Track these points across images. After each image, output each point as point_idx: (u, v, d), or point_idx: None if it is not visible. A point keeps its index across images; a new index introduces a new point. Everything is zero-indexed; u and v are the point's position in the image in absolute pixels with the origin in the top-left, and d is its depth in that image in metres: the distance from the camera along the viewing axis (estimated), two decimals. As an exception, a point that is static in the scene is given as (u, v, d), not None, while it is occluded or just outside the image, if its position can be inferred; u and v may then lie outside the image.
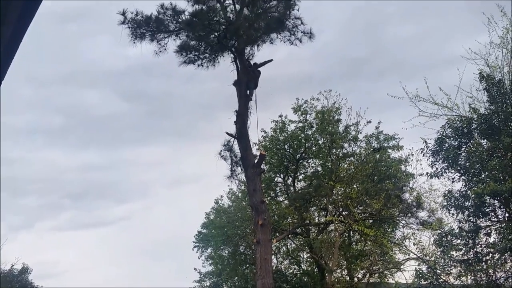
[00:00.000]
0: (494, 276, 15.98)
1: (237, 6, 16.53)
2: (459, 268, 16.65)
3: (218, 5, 16.46)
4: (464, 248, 16.41)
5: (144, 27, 15.87)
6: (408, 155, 22.49)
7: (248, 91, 16.61)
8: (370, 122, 22.73)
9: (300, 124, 23.31)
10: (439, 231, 17.93)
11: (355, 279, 23.75)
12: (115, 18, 15.54)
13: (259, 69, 16.82)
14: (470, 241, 16.30)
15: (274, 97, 31.34)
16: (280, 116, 23.66)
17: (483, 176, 15.93)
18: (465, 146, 16.64)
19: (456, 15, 36.59)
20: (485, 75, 16.12)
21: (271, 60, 16.89)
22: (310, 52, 33.97)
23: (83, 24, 41.24)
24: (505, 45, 16.61)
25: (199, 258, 28.91)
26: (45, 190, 54.36)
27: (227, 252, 27.73)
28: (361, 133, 23.00)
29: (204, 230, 29.15)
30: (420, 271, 17.56)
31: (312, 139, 23.30)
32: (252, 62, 16.84)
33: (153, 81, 38.84)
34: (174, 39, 16.30)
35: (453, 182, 16.98)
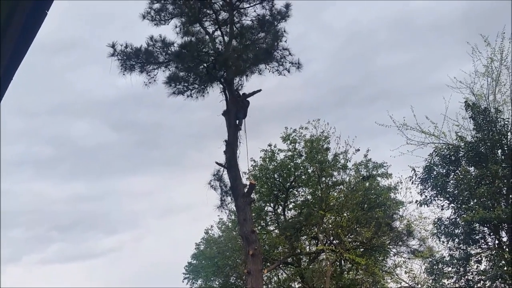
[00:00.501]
0: (486, 304, 15.92)
1: (226, 38, 16.77)
2: (451, 296, 16.57)
3: (207, 36, 16.69)
4: (455, 276, 16.37)
5: (134, 59, 16.01)
6: (397, 183, 22.65)
7: (237, 121, 16.70)
8: (358, 150, 22.91)
9: (289, 153, 23.41)
10: (430, 259, 17.88)
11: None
12: (105, 48, 15.68)
13: (248, 99, 16.96)
14: (461, 269, 16.28)
15: (263, 126, 31.50)
16: (269, 145, 23.78)
17: (472, 203, 16.02)
18: (453, 173, 16.77)
19: (442, 44, 37.39)
20: (471, 104, 16.37)
21: (259, 90, 17.06)
22: (300, 81, 34.43)
23: (72, 54, 41.49)
24: (490, 74, 16.93)
25: (189, 290, 28.51)
26: (32, 222, 53.71)
27: (217, 283, 27.41)
28: (350, 161, 23.14)
29: (194, 261, 28.86)
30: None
31: (301, 167, 23.36)
32: (241, 92, 17.00)
33: (143, 111, 39.00)
34: (163, 71, 16.46)
35: (442, 209, 17.06)
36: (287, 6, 16.43)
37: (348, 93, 38.50)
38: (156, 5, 16.37)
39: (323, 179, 23.15)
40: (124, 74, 15.90)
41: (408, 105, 18.44)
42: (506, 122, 16.09)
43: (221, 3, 16.86)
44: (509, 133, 16.05)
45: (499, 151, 16.30)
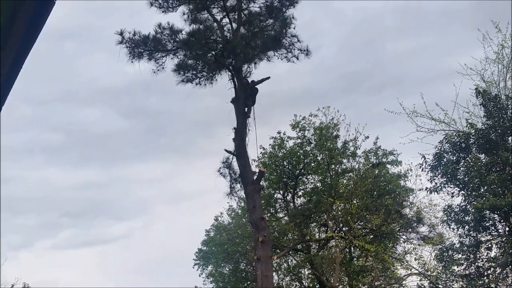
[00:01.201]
0: (496, 291, 15.92)
1: (234, 25, 16.68)
2: (461, 282, 16.59)
3: (215, 24, 16.60)
4: (465, 263, 16.37)
5: (142, 47, 15.99)
6: (407, 170, 22.51)
7: (246, 109, 16.68)
8: (368, 137, 22.79)
9: (299, 141, 23.36)
10: (440, 246, 17.88)
11: (357, 295, 23.59)
12: (113, 35, 15.67)
13: (256, 86, 16.91)
14: (471, 256, 16.27)
15: (273, 112, 31.41)
16: (279, 132, 23.74)
17: (482, 190, 15.96)
18: (463, 161, 16.69)
19: (453, 30, 36.95)
20: (481, 91, 16.23)
21: (268, 78, 16.98)
22: (310, 67, 34.18)
23: (81, 41, 41.48)
24: (501, 60, 16.76)
25: (199, 276, 28.75)
26: (43, 208, 54.21)
27: (227, 269, 27.59)
28: (359, 148, 23.04)
29: (204, 248, 29.02)
30: (422, 287, 17.47)
31: (310, 155, 23.32)
32: (249, 80, 16.94)
33: (152, 98, 39.03)
34: (171, 58, 16.42)
35: (452, 196, 17.02)
36: (296, -9, 16.28)
37: (357, 79, 38.23)
38: (164, -8, 16.28)
39: (333, 166, 23.11)
40: (132, 62, 15.90)
41: (418, 92, 18.41)
42: (517, 109, 15.96)
43: (229, -11, 16.74)
44: (520, 120, 15.91)
45: (510, 138, 16.19)
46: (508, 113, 15.96)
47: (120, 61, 15.64)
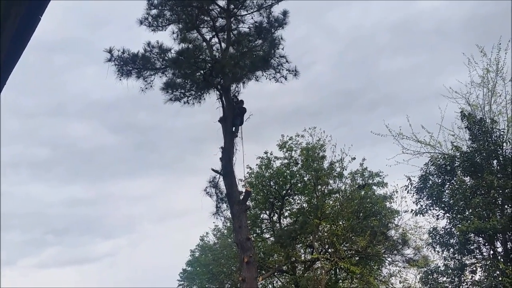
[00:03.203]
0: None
1: (223, 45, 16.78)
2: (445, 306, 16.53)
3: (204, 43, 16.70)
4: (450, 286, 16.35)
5: (131, 65, 15.99)
6: (393, 192, 22.61)
7: (234, 128, 16.69)
8: (354, 159, 22.91)
9: (286, 161, 23.40)
10: (425, 269, 17.86)
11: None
12: (104, 48, 15.66)
13: (245, 105, 16.96)
14: (456, 279, 16.26)
15: (264, 130, 31.53)
16: (266, 152, 23.78)
17: (467, 213, 16.03)
18: (448, 183, 16.79)
19: (445, 50, 37.47)
20: (467, 114, 16.42)
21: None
22: (302, 84, 34.44)
23: (71, 54, 41.43)
24: (486, 84, 17.00)
25: (183, 297, 28.39)
26: (28, 225, 53.43)
27: (212, 290, 27.29)
28: (346, 169, 23.13)
29: (189, 268, 28.74)
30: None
31: (297, 175, 23.34)
32: (238, 99, 16.99)
33: (141, 113, 38.88)
34: (160, 76, 16.44)
35: (437, 219, 17.08)
36: (285, 13, 16.46)
37: (350, 97, 38.58)
38: (154, 11, 16.39)
39: (319, 187, 23.12)
40: (120, 80, 15.88)
41: (409, 111, 18.69)
42: (502, 133, 16.14)
43: (218, 10, 16.88)
44: (504, 144, 16.08)
45: (495, 161, 16.33)
46: (493, 137, 16.13)
47: (109, 77, 15.63)
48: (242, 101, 16.97)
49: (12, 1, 3.11)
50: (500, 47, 16.74)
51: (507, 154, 16.13)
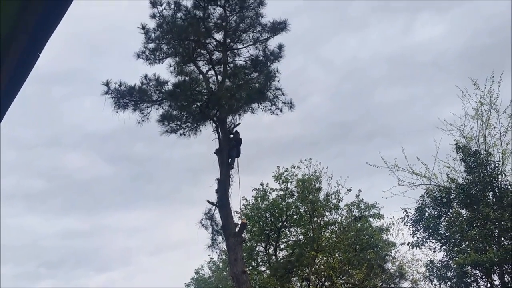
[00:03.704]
0: None
1: (219, 77, 16.94)
2: None
3: (201, 76, 16.86)
4: (448, 320, 16.16)
5: (127, 97, 16.09)
6: (389, 224, 22.54)
7: (230, 160, 16.70)
8: (350, 190, 22.87)
9: (281, 192, 23.35)
10: (423, 302, 17.67)
11: None
12: (102, 79, 15.81)
13: (241, 136, 17.00)
14: (454, 313, 16.08)
15: (260, 161, 31.54)
16: (261, 184, 23.73)
17: (464, 246, 15.97)
18: (445, 215, 16.78)
19: (440, 82, 37.93)
20: (461, 146, 16.52)
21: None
22: (299, 115, 34.59)
23: (70, 86, 41.63)
24: (480, 116, 17.15)
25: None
26: (22, 258, 52.63)
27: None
28: (341, 201, 23.07)
29: (184, 302, 28.33)
30: None
31: (293, 207, 23.26)
32: (233, 130, 17.06)
33: (138, 144, 38.86)
34: (156, 109, 16.54)
35: (434, 252, 16.99)
36: (280, 47, 16.68)
37: (346, 128, 38.78)
38: (151, 45, 16.58)
39: (315, 219, 23.01)
40: (117, 112, 15.96)
41: (405, 142, 18.76)
42: (497, 165, 16.21)
43: (215, 43, 17.10)
44: (499, 176, 16.14)
45: (490, 193, 16.36)
46: (488, 169, 16.20)
47: (106, 109, 15.73)
48: (237, 132, 17.04)
49: (13, 35, 3.17)
50: (493, 80, 16.99)
51: (502, 186, 16.17)
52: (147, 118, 16.56)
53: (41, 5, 3.05)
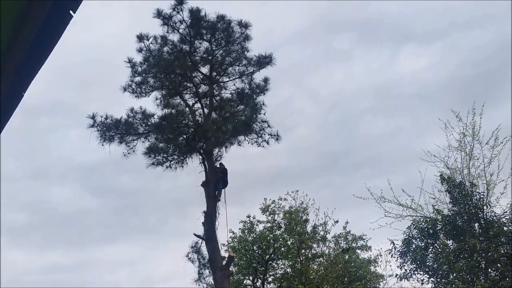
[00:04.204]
0: None
1: (206, 110, 17.04)
2: None
3: (187, 108, 16.95)
4: None
5: (113, 130, 16.09)
6: (377, 255, 22.47)
7: (216, 192, 16.65)
8: (337, 222, 22.86)
9: (268, 225, 23.24)
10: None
11: None
12: (88, 111, 15.84)
13: (227, 167, 16.99)
14: None
15: (248, 192, 31.33)
16: (248, 216, 23.63)
17: (451, 277, 15.91)
18: (431, 247, 16.75)
19: (425, 112, 38.39)
20: (446, 177, 16.63)
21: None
22: (286, 146, 34.63)
23: (56, 118, 41.34)
24: (463, 148, 17.33)
25: None
26: (3, 294, 51.21)
27: None
28: (329, 233, 23.01)
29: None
30: None
31: (280, 239, 23.13)
32: (217, 164, 17.06)
33: (124, 176, 38.41)
34: (143, 141, 16.55)
35: (422, 283, 16.87)
36: (266, 80, 16.88)
37: (333, 159, 38.83)
38: (138, 78, 16.69)
39: (303, 251, 22.88)
40: (103, 145, 15.93)
41: (391, 172, 18.82)
42: (482, 196, 16.31)
43: (201, 77, 17.27)
44: (485, 207, 16.22)
45: (476, 224, 16.41)
46: (473, 200, 16.28)
47: (91, 141, 15.69)
48: (221, 164, 17.02)
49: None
50: (474, 112, 17.25)
51: (488, 217, 16.24)
52: (133, 151, 16.56)
53: (27, 44, 3.08)
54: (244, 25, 16.53)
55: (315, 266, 23.12)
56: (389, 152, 38.14)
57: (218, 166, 16.94)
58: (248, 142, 17.26)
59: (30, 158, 45.12)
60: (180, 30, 16.42)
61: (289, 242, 23.19)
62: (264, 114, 16.99)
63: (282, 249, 23.29)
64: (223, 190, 16.86)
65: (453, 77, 38.52)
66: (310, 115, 38.55)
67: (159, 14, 15.93)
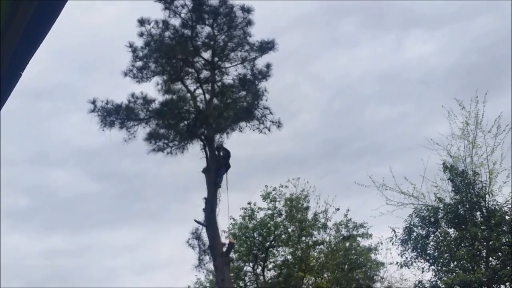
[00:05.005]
0: None
1: (207, 96, 16.89)
2: None
3: (188, 94, 16.80)
4: None
5: (114, 115, 15.97)
6: (378, 243, 22.45)
7: (217, 178, 16.57)
8: (338, 209, 22.81)
9: (269, 212, 23.20)
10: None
11: None
12: (89, 95, 15.71)
13: (230, 150, 16.86)
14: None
15: (250, 178, 31.20)
16: (249, 203, 23.57)
17: (452, 266, 15.93)
18: (433, 235, 16.75)
19: (431, 99, 38.10)
20: (449, 166, 16.56)
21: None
22: (290, 132, 34.40)
23: (57, 101, 41.02)
24: (466, 136, 17.25)
25: None
26: (5, 278, 51.40)
27: None
28: (330, 220, 22.98)
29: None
30: None
31: (281, 226, 23.11)
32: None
33: (126, 160, 38.21)
34: (143, 127, 16.41)
35: (423, 272, 16.91)
36: (268, 66, 16.71)
37: (337, 145, 38.60)
38: (139, 63, 16.52)
39: (303, 238, 22.87)
40: (103, 130, 15.82)
41: (395, 160, 18.72)
42: (484, 185, 16.26)
43: (203, 62, 17.07)
44: (487, 196, 16.18)
45: (478, 213, 16.40)
46: (476, 189, 16.25)
47: (92, 126, 15.59)
48: (223, 148, 16.80)
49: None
50: (477, 100, 17.14)
51: (490, 206, 16.21)
52: (134, 137, 16.43)
53: (23, 23, 2.97)
54: (246, 10, 16.32)
55: (315, 254, 23.12)
56: (393, 139, 37.98)
57: (220, 148, 16.76)
58: (250, 129, 17.13)
59: (31, 142, 44.99)
60: (182, 15, 16.23)
61: (289, 229, 23.18)
62: (266, 100, 16.84)
63: (283, 236, 23.28)
64: (225, 175, 16.77)
65: (459, 63, 38.21)
66: (314, 100, 38.27)
67: (160, -2, 15.73)
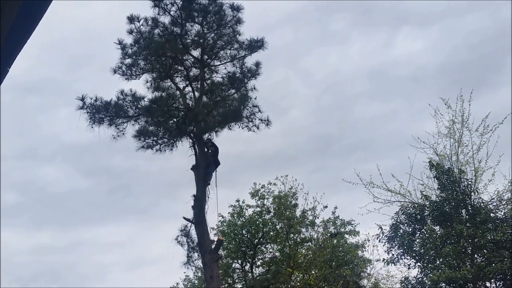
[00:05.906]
0: None
1: (196, 94, 16.95)
2: None
3: (178, 92, 16.84)
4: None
5: (103, 112, 15.97)
6: (365, 240, 22.66)
7: (206, 176, 16.62)
8: (326, 207, 23.01)
9: (258, 209, 23.31)
10: (398, 319, 17.72)
11: None
12: (79, 91, 15.68)
13: (219, 146, 16.91)
14: (428, 330, 16.14)
15: (240, 175, 31.29)
16: (238, 200, 23.68)
17: (438, 262, 16.12)
18: (419, 232, 16.93)
19: (420, 96, 38.41)
20: (435, 164, 16.75)
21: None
22: (279, 128, 34.48)
23: (46, 96, 40.78)
24: (452, 135, 17.45)
25: None
26: (-8, 275, 50.99)
27: None
28: (318, 218, 23.15)
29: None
30: None
31: (269, 224, 23.23)
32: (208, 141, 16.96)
33: (116, 157, 38.10)
34: (133, 124, 16.43)
35: (409, 268, 17.10)
36: (257, 64, 16.79)
37: (327, 142, 38.79)
38: (128, 60, 16.53)
39: (291, 235, 23.01)
40: (92, 127, 15.82)
41: (384, 157, 18.86)
42: (470, 183, 16.46)
43: (192, 60, 17.13)
44: (472, 193, 16.39)
45: (463, 210, 16.60)
46: (461, 186, 16.44)
47: (81, 123, 15.57)
48: (211, 144, 16.83)
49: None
50: (463, 99, 17.34)
51: (475, 203, 16.42)
52: (123, 134, 16.45)
53: (10, 20, 3.04)
54: (236, 8, 16.39)
55: (303, 251, 23.28)
56: (383, 136, 38.25)
57: (208, 143, 16.79)
58: (239, 127, 17.21)
59: (19, 137, 44.67)
60: (172, 12, 16.28)
61: (278, 227, 23.31)
62: (255, 98, 16.93)
63: (271, 233, 23.42)
64: (213, 173, 16.82)
65: (448, 61, 38.55)
66: (304, 97, 38.45)
67: (150, -5, 15.76)
